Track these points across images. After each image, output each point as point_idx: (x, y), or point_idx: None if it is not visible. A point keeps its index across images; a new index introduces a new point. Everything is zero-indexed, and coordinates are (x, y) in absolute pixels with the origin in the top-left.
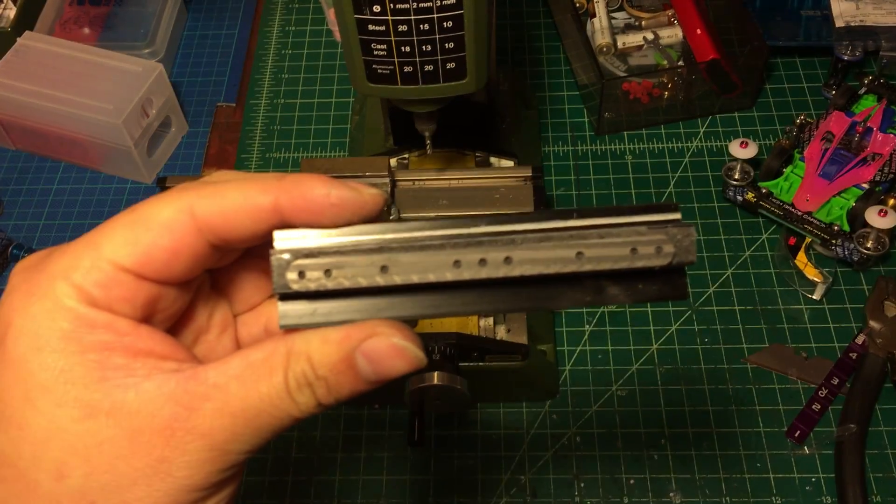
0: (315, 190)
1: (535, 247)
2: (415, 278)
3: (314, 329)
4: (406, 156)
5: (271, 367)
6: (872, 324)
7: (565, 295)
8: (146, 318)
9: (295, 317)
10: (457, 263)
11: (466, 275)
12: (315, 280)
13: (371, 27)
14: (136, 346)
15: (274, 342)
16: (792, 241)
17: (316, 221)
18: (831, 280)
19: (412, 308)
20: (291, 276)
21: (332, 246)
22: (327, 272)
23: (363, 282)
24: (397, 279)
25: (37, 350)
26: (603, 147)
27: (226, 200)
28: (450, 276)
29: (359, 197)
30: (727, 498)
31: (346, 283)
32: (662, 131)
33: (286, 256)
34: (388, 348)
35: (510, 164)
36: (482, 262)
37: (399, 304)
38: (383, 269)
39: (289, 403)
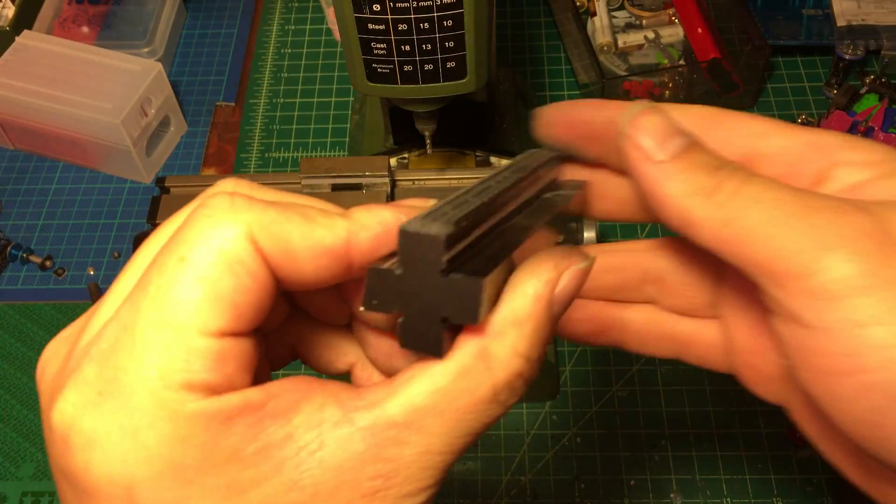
0: (389, 222)
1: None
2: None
3: (490, 316)
4: (406, 155)
5: (471, 387)
6: None
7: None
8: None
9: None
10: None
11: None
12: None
13: (371, 26)
14: (279, 408)
15: (452, 361)
16: None
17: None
18: None
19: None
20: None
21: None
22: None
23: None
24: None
25: (185, 484)
26: None
27: (291, 234)
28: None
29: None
30: (728, 499)
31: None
32: None
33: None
34: (579, 277)
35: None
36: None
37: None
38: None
39: (495, 410)
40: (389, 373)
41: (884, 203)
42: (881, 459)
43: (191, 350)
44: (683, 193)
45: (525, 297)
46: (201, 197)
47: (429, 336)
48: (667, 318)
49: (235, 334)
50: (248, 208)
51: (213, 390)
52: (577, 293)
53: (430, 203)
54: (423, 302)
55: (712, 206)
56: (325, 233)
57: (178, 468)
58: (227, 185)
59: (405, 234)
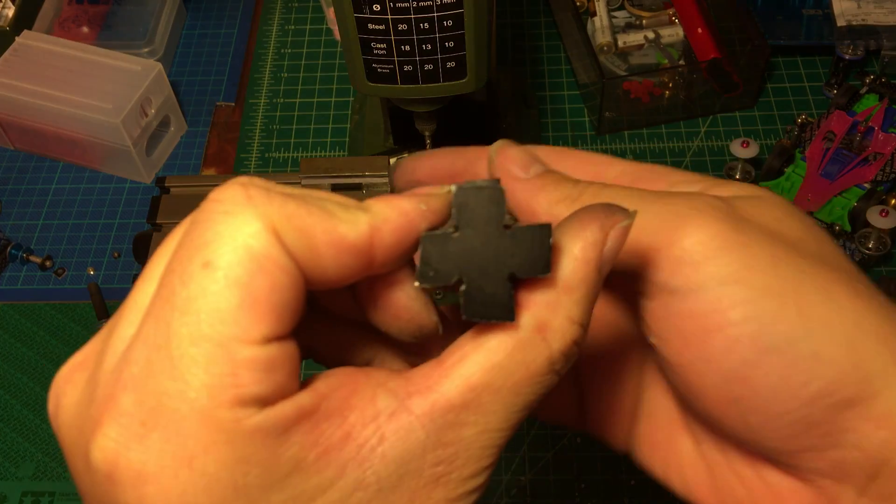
0: (410, 212)
1: None
2: None
3: (538, 293)
4: (406, 155)
5: (528, 360)
6: None
7: None
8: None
9: None
10: None
11: None
12: None
13: (371, 26)
14: (332, 408)
15: (505, 334)
16: None
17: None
18: None
19: None
20: None
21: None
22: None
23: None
24: None
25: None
26: (603, 147)
27: (314, 229)
28: None
29: (444, 199)
30: None
31: None
32: (663, 131)
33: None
34: (622, 236)
35: None
36: None
37: None
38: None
39: (552, 379)
40: (413, 363)
41: (723, 196)
42: (743, 429)
43: (237, 362)
44: (550, 202)
45: (575, 261)
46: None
47: (497, 299)
48: None
49: (280, 338)
50: (266, 201)
51: (266, 402)
52: (621, 251)
53: (446, 188)
54: (487, 262)
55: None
56: (348, 228)
57: (242, 491)
58: (240, 179)
59: (463, 191)
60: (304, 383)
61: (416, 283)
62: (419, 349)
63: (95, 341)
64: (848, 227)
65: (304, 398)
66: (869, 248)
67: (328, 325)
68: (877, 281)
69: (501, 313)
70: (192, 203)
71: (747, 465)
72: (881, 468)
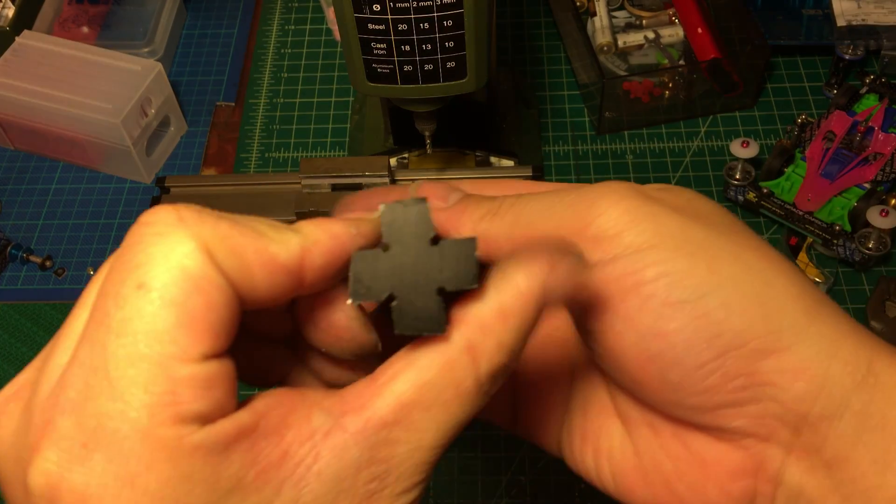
0: (341, 235)
1: None
2: None
3: (476, 310)
4: (406, 155)
5: (456, 379)
6: (874, 324)
7: None
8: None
9: None
10: None
11: None
12: None
13: (371, 26)
14: (270, 427)
15: (436, 352)
16: (793, 241)
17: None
18: (832, 280)
19: None
20: None
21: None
22: None
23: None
24: None
25: None
26: (603, 147)
27: (246, 249)
28: None
29: (375, 223)
30: None
31: None
32: (663, 131)
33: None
34: (569, 276)
35: (510, 163)
36: None
37: None
38: None
39: (480, 400)
40: (334, 384)
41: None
42: (664, 389)
43: (176, 381)
44: (474, 221)
45: (516, 290)
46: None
47: (427, 312)
48: None
49: (217, 356)
50: (198, 221)
51: (207, 419)
52: (567, 291)
53: (377, 213)
54: (417, 276)
55: (498, 219)
56: (279, 248)
57: None
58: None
59: (390, 209)
60: (242, 403)
61: (349, 301)
62: (357, 366)
63: (29, 371)
64: (848, 227)
65: (243, 416)
66: (869, 248)
67: (249, 342)
68: (877, 281)
69: (432, 326)
70: (192, 203)
71: (674, 437)
72: (802, 423)
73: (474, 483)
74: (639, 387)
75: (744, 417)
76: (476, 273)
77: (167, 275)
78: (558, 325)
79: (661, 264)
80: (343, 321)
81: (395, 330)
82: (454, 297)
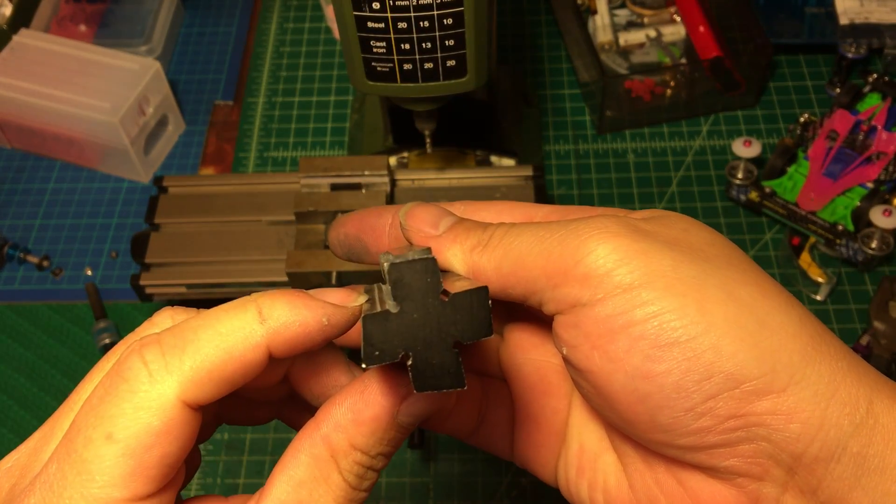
0: (310, 325)
1: None
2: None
3: (335, 410)
4: (406, 154)
5: (324, 477)
6: (877, 324)
7: None
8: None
9: None
10: None
11: None
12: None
13: (370, 24)
14: None
15: (303, 452)
16: (796, 240)
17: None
18: (835, 280)
19: None
20: None
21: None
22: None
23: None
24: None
25: None
26: (605, 146)
27: (222, 373)
28: None
29: (350, 314)
30: None
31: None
32: (665, 130)
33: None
34: (427, 405)
35: (511, 163)
36: None
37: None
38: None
39: (356, 494)
40: None
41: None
42: (654, 430)
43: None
44: (465, 251)
45: (378, 399)
46: (121, 353)
47: (445, 368)
48: None
49: (160, 491)
50: (166, 374)
51: None
52: (426, 412)
53: (359, 301)
54: (431, 333)
55: (489, 252)
56: (244, 350)
57: None
58: (164, 320)
59: (396, 267)
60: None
61: (363, 366)
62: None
63: (30, 442)
64: (851, 227)
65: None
66: (872, 248)
67: (241, 400)
68: (880, 281)
69: (452, 381)
70: (190, 203)
71: (669, 474)
72: (797, 463)
73: (475, 484)
74: (629, 426)
75: (736, 457)
76: (490, 323)
77: (132, 428)
78: (556, 353)
79: (650, 304)
80: (343, 382)
81: (414, 389)
82: (468, 348)
